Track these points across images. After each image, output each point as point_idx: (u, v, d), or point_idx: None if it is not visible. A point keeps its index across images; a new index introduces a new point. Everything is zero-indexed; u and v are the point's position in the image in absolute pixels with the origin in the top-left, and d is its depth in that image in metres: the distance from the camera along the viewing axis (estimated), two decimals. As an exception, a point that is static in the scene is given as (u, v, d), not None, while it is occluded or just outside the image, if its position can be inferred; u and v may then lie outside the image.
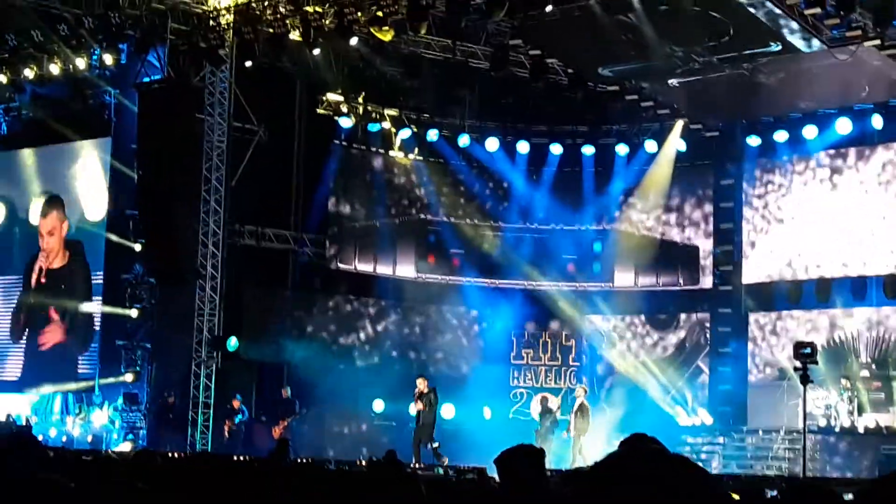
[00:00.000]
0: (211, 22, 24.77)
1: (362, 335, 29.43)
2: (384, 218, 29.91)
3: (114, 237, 27.21)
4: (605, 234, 30.24)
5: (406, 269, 30.05)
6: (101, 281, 27.87)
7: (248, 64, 25.59)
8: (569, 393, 27.28)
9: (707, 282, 29.14)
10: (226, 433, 25.49)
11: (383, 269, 29.86)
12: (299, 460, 19.57)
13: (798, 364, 19.69)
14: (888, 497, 3.41)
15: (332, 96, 28.48)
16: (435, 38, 26.50)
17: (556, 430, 25.69)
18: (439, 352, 29.88)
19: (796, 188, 27.88)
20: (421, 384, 24.05)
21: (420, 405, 23.74)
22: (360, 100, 28.89)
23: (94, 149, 28.67)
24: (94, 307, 27.91)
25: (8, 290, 30.29)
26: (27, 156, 30.14)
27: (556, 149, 30.05)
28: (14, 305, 30.08)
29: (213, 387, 25.45)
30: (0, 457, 5.94)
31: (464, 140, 29.79)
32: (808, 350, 19.86)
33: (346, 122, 28.89)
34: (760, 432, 26.85)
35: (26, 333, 29.66)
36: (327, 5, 23.28)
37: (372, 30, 23.08)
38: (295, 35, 24.22)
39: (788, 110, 26.98)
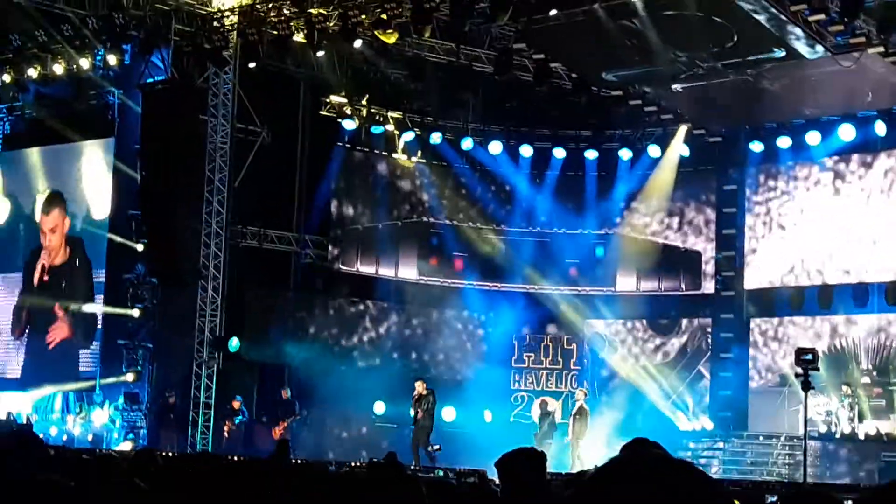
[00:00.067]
0: (215, 23, 24.78)
1: (364, 337, 29.43)
2: (387, 220, 29.92)
3: (116, 237, 27.21)
4: (608, 239, 30.24)
5: (408, 272, 30.05)
6: (102, 279, 27.90)
7: (252, 65, 25.61)
8: (569, 397, 27.28)
9: (709, 287, 29.14)
10: (225, 434, 25.49)
11: (385, 272, 29.87)
12: (299, 462, 19.56)
13: (799, 370, 19.68)
14: None
15: (335, 98, 28.49)
16: (439, 42, 26.52)
17: (555, 433, 25.68)
18: (441, 354, 29.88)
19: (799, 194, 27.88)
20: (420, 387, 24.04)
21: (418, 411, 23.70)
22: (364, 102, 28.90)
23: (99, 148, 28.69)
24: (96, 308, 27.91)
25: (13, 287, 30.30)
26: (33, 154, 30.14)
27: (560, 153, 30.05)
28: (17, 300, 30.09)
29: (213, 387, 25.47)
30: (2, 456, 5.94)
31: (467, 143, 29.80)
32: (810, 356, 19.85)
33: (349, 125, 28.89)
34: (761, 438, 26.84)
35: (27, 332, 29.67)
36: (331, 7, 23.29)
37: (376, 32, 23.10)
38: (299, 37, 24.25)
39: (792, 116, 26.98)
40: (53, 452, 10.73)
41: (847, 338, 26.73)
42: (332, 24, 23.42)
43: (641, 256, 29.83)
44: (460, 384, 29.14)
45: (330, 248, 29.14)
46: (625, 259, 30.04)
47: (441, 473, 20.50)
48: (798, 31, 21.25)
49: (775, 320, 28.12)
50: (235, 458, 17.13)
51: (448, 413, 28.05)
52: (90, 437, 26.84)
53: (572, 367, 30.13)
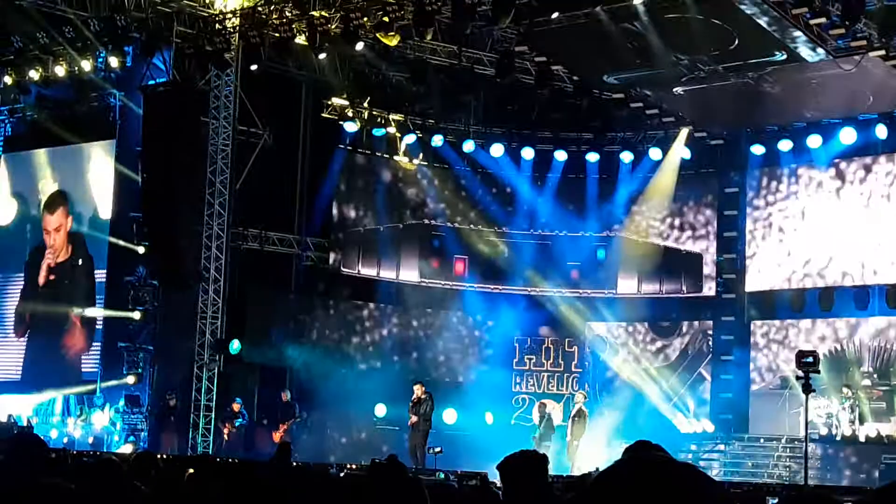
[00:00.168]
0: (217, 25, 24.78)
1: (365, 339, 29.43)
2: (388, 223, 29.92)
3: (117, 240, 27.20)
4: (609, 241, 30.24)
5: (409, 274, 30.05)
6: (104, 280, 27.90)
7: (254, 68, 25.61)
8: (570, 399, 27.28)
9: (710, 289, 29.14)
10: (225, 436, 25.48)
11: (386, 274, 29.87)
12: (299, 464, 19.56)
13: (800, 373, 19.68)
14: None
15: (337, 101, 28.49)
16: (441, 44, 26.54)
17: (553, 435, 25.64)
18: (442, 357, 29.87)
19: (800, 197, 27.89)
20: (418, 390, 24.01)
21: (415, 416, 23.68)
22: (366, 105, 28.90)
23: (103, 149, 28.69)
24: (97, 311, 27.91)
25: (20, 287, 30.30)
26: (40, 154, 30.08)
27: (561, 155, 30.05)
28: (20, 297, 30.05)
29: (214, 390, 25.47)
30: (7, 459, 5.94)
31: (468, 146, 29.81)
32: (811, 359, 19.85)
33: (351, 127, 28.89)
34: (762, 440, 26.85)
35: (28, 333, 29.65)
36: (333, 10, 23.28)
37: (378, 35, 23.09)
38: (301, 39, 24.24)
39: (793, 119, 26.99)
40: (54, 455, 10.74)
41: (848, 340, 26.74)
42: (333, 27, 23.42)
43: (643, 259, 29.83)
44: (461, 386, 29.15)
45: (331, 250, 29.13)
46: (626, 261, 30.04)
47: (442, 476, 20.49)
48: (799, 34, 21.25)
49: (776, 323, 28.13)
50: (237, 461, 17.14)
51: (449, 415, 28.04)
52: (91, 440, 26.83)
53: (573, 369, 30.12)
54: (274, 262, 28.21)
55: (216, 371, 25.54)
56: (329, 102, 28.50)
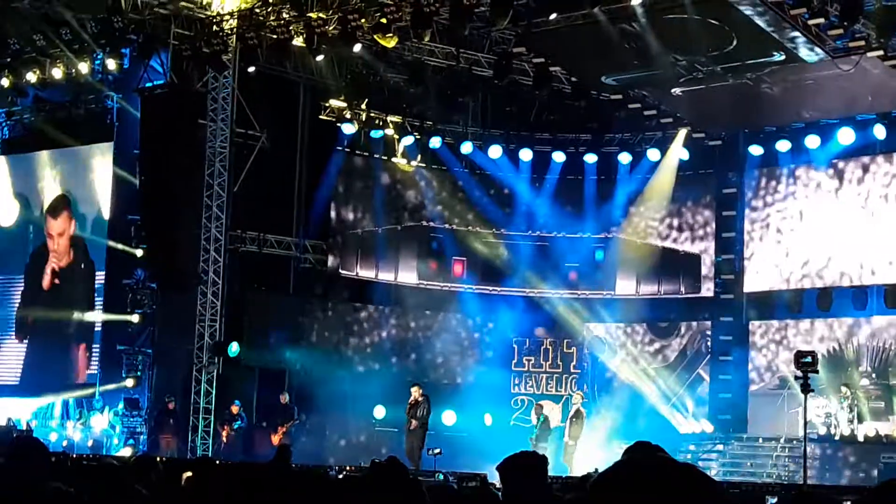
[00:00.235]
0: (214, 27, 24.76)
1: (364, 341, 29.41)
2: (386, 224, 29.90)
3: (115, 243, 27.18)
4: (608, 242, 30.24)
5: (408, 276, 30.04)
6: (102, 283, 27.90)
7: (251, 70, 25.60)
8: (569, 400, 27.28)
9: (708, 290, 29.14)
10: (224, 439, 25.47)
11: (385, 276, 29.86)
12: (298, 466, 19.55)
13: (799, 373, 19.69)
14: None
15: (335, 102, 28.46)
16: (438, 46, 26.53)
17: (550, 437, 25.61)
18: (440, 358, 29.87)
19: (798, 197, 27.89)
20: (415, 392, 23.98)
21: (412, 420, 23.64)
22: (363, 106, 28.87)
23: (102, 152, 28.66)
24: (96, 315, 27.90)
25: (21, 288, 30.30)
26: (42, 155, 30.01)
27: (559, 157, 30.05)
28: (21, 301, 30.03)
29: (213, 392, 25.45)
30: (8, 464, 5.93)
31: (466, 147, 29.81)
32: (809, 359, 19.85)
33: (348, 129, 28.86)
34: (761, 440, 26.84)
35: (29, 337, 29.62)
36: (331, 12, 23.26)
37: (375, 36, 23.08)
38: (298, 41, 24.23)
39: (791, 120, 27.00)
40: (54, 459, 10.73)
41: (846, 340, 26.76)
42: (331, 29, 23.40)
43: (641, 260, 29.83)
44: (460, 388, 29.14)
45: (329, 252, 29.11)
46: (624, 262, 30.04)
47: (441, 477, 20.48)
48: (797, 34, 21.26)
49: (775, 323, 28.14)
50: (236, 463, 17.15)
51: (448, 417, 28.04)
52: (90, 443, 26.81)
53: (572, 370, 30.12)
54: (272, 264, 28.19)
55: (215, 374, 25.52)
56: (327, 104, 28.47)
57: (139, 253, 26.35)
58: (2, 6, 25.59)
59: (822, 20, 20.40)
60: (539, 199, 30.37)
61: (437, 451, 23.01)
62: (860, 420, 25.09)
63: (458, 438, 26.57)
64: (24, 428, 26.27)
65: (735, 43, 22.09)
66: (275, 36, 24.10)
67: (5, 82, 27.81)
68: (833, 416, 25.17)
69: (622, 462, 2.76)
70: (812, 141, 26.87)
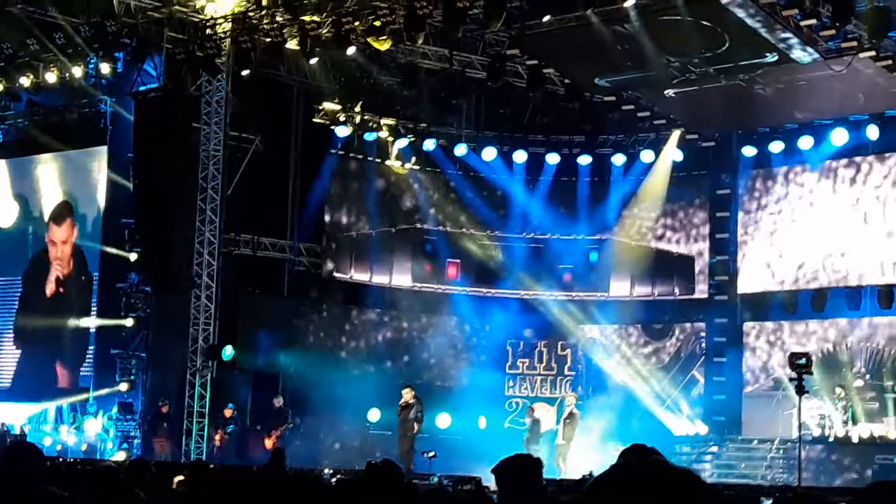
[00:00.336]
0: (208, 31, 24.74)
1: (358, 344, 29.40)
2: (380, 227, 29.91)
3: (109, 247, 27.15)
4: (602, 244, 30.25)
5: (402, 279, 30.03)
6: (95, 287, 27.88)
7: (245, 73, 25.58)
8: (563, 402, 27.28)
9: (703, 291, 29.16)
10: (217, 443, 25.44)
11: (379, 279, 29.85)
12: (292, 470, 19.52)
13: (793, 374, 19.71)
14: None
15: (328, 105, 28.46)
16: (432, 48, 26.53)
17: (541, 439, 25.61)
18: (435, 361, 29.86)
19: (792, 198, 27.93)
20: (407, 394, 23.95)
21: (404, 422, 23.61)
22: (357, 109, 28.87)
23: (97, 155, 28.63)
24: (91, 321, 27.86)
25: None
26: (43, 157, 29.95)
27: (553, 158, 30.07)
28: (20, 308, 29.95)
29: (207, 396, 25.42)
30: (4, 468, 5.92)
31: (460, 149, 29.82)
32: (803, 360, 19.89)
33: (342, 132, 28.86)
34: (755, 442, 26.85)
35: (27, 342, 29.53)
36: (324, 15, 23.26)
37: (369, 39, 23.08)
38: (292, 44, 24.23)
39: (784, 121, 27.02)
40: (49, 463, 10.72)
41: (840, 341, 26.79)
42: (325, 32, 23.40)
43: (635, 261, 29.85)
44: (454, 390, 29.13)
45: (323, 255, 29.10)
46: (618, 264, 30.06)
47: (436, 480, 20.48)
48: (790, 35, 21.28)
49: (769, 324, 28.16)
50: (231, 467, 17.12)
51: (442, 420, 28.03)
52: (84, 448, 26.78)
53: (566, 372, 30.14)
54: (266, 267, 28.17)
55: (209, 377, 25.49)
56: (320, 107, 28.47)
57: (133, 256, 26.33)
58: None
59: (814, 21, 20.44)
60: (533, 200, 30.39)
61: (432, 453, 22.98)
62: (854, 421, 25.10)
63: (452, 441, 26.58)
64: (18, 433, 26.23)
65: (728, 44, 22.11)
66: (268, 39, 24.11)
67: (-1, 87, 27.82)
68: (827, 417, 25.20)
69: (618, 465, 2.76)
70: (805, 142, 26.91)
